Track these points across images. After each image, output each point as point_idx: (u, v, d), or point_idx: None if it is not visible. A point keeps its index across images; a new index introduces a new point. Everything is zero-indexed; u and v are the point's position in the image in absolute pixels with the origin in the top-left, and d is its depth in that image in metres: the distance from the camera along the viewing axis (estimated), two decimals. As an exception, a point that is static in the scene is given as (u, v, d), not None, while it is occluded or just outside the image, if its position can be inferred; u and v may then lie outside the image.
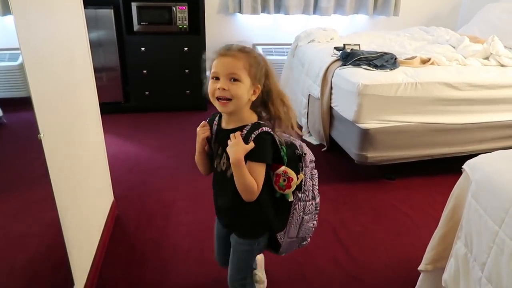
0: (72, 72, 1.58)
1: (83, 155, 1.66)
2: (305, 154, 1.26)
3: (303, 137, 3.14)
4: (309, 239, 1.42)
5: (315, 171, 1.32)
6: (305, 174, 1.25)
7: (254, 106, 1.21)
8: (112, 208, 2.11)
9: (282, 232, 1.30)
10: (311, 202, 1.28)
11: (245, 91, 1.13)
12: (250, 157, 1.13)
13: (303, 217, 1.29)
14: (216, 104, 1.15)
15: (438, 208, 2.14)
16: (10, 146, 1.10)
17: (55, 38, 1.41)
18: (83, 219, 1.62)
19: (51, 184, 1.24)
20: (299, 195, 1.25)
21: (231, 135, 1.14)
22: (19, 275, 1.04)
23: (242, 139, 1.13)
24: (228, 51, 1.13)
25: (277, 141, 1.17)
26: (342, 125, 2.59)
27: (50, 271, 1.27)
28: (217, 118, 1.26)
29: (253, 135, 1.13)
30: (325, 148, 2.89)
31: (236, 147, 1.12)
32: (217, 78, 1.13)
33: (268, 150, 1.16)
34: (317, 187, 1.31)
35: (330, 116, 2.70)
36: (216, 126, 1.25)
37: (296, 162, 1.24)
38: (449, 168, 2.54)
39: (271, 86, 1.20)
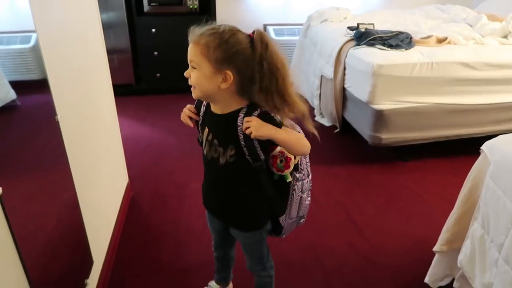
0: (86, 54, 1.58)
1: (98, 137, 1.67)
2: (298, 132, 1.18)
3: (315, 118, 3.11)
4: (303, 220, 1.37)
5: None
6: None
7: (249, 97, 1.06)
8: (127, 189, 2.14)
9: (284, 215, 1.25)
10: (306, 180, 1.24)
11: (204, 79, 1.02)
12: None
13: (301, 196, 1.25)
14: None
15: (453, 190, 2.12)
16: (26, 128, 1.10)
17: (69, 20, 1.41)
18: (100, 199, 1.65)
19: (69, 165, 1.25)
20: (297, 175, 1.20)
21: (245, 120, 1.04)
22: (40, 255, 1.07)
23: (242, 121, 1.05)
24: (192, 36, 1.02)
25: (277, 120, 1.08)
26: (355, 106, 2.56)
27: (70, 250, 1.30)
28: (205, 102, 1.17)
29: (254, 115, 1.05)
30: (337, 130, 2.87)
31: (254, 124, 1.02)
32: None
33: (276, 122, 1.07)
34: (308, 163, 1.27)
35: (343, 97, 2.67)
36: (204, 108, 1.17)
37: None
38: (464, 149, 2.52)
39: (255, 72, 1.01)
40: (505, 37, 2.64)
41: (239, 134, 1.06)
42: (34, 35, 1.11)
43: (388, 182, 2.36)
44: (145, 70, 3.58)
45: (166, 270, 1.72)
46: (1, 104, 0.94)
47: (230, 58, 0.99)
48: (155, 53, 3.50)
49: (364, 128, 2.47)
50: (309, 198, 1.31)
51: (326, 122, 3.03)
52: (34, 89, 1.17)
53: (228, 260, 1.52)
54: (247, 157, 1.09)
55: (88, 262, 1.41)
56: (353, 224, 2.00)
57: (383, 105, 2.32)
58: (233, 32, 1.01)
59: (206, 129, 1.15)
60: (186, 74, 1.06)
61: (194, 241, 1.88)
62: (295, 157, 1.17)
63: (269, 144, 1.10)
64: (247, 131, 1.03)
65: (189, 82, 1.07)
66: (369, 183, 2.35)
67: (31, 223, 1.04)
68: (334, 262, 1.77)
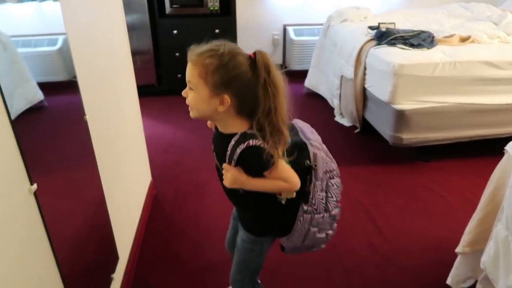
0: (112, 55, 1.63)
1: (123, 136, 1.72)
2: (315, 165, 1.11)
3: (335, 119, 3.11)
4: (323, 245, 1.31)
5: (335, 180, 1.20)
6: (314, 187, 1.12)
7: (249, 117, 1.03)
8: (150, 188, 2.19)
9: (285, 238, 1.21)
10: (321, 215, 1.16)
11: (201, 101, 1.00)
12: (251, 174, 1.04)
13: (309, 229, 1.18)
14: None
15: (476, 191, 2.09)
16: (55, 128, 1.15)
17: (96, 22, 1.46)
18: (125, 197, 1.69)
19: (96, 164, 1.30)
20: (305, 207, 1.13)
21: (224, 167, 1.07)
22: (70, 250, 1.11)
23: (231, 149, 1.04)
24: (191, 55, 1.01)
25: (268, 154, 0.99)
26: (376, 106, 2.55)
27: (97, 246, 1.34)
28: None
29: (237, 150, 1.01)
30: (358, 130, 2.86)
31: (229, 177, 1.05)
32: None
33: (262, 160, 1.00)
34: (335, 199, 1.19)
35: (364, 97, 2.66)
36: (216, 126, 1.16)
37: (304, 172, 1.10)
38: (487, 150, 2.48)
39: (257, 94, 0.98)
40: (532, 35, 2.58)
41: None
42: (60, 38, 1.15)
43: (409, 183, 2.34)
44: (166, 71, 3.64)
45: (188, 267, 1.75)
46: (30, 105, 0.98)
47: (228, 82, 0.96)
48: (177, 54, 3.55)
49: (385, 128, 2.46)
50: (329, 232, 1.25)
51: (346, 122, 3.02)
52: (60, 90, 1.22)
53: None
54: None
55: (113, 257, 1.46)
56: (373, 224, 2.00)
57: (404, 105, 2.30)
58: (233, 54, 0.97)
59: (212, 146, 1.17)
60: (183, 93, 1.04)
61: (215, 239, 1.91)
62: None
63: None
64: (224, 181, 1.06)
65: (186, 102, 1.04)
66: (390, 184, 2.34)
67: (62, 219, 1.09)
68: (354, 262, 1.77)
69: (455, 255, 1.57)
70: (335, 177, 1.19)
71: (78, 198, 1.22)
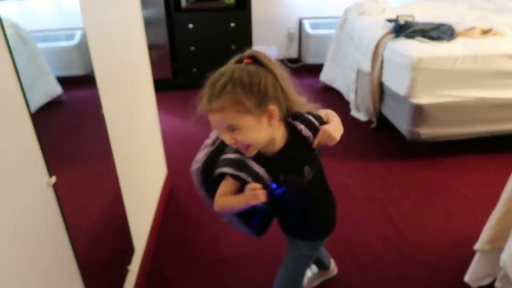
0: (129, 50, 1.64)
1: (139, 130, 1.74)
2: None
3: (351, 113, 3.07)
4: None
5: None
6: None
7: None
8: (166, 181, 2.21)
9: None
10: None
11: (254, 132, 0.94)
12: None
13: None
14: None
15: (496, 188, 2.04)
16: (72, 121, 1.16)
17: (113, 18, 1.47)
18: (141, 190, 1.71)
19: (113, 157, 1.31)
20: None
21: (322, 131, 1.05)
22: (87, 241, 1.13)
23: (307, 132, 1.05)
24: (210, 105, 0.97)
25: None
26: (393, 100, 2.51)
27: (114, 238, 1.36)
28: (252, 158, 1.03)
29: (314, 123, 1.06)
30: (374, 125, 2.83)
31: (331, 130, 1.07)
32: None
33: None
34: None
35: (381, 91, 2.63)
36: (257, 165, 1.03)
37: None
38: (506, 146, 2.42)
39: (279, 94, 0.97)
40: (557, 27, 2.50)
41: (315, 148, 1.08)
42: (78, 33, 1.17)
43: (427, 178, 2.31)
44: (182, 65, 3.65)
45: (203, 260, 1.77)
46: (48, 99, 0.99)
47: (263, 94, 0.92)
48: (192, 48, 3.56)
49: (402, 123, 2.42)
50: None
51: (362, 116, 2.98)
52: (78, 84, 1.23)
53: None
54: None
55: (130, 249, 1.48)
56: (390, 220, 1.98)
57: (423, 99, 2.26)
58: (242, 69, 0.94)
59: (283, 174, 1.04)
60: (230, 140, 0.97)
61: (231, 232, 1.91)
62: None
63: None
64: (331, 142, 1.07)
65: (237, 146, 0.98)
66: (407, 179, 2.31)
67: (79, 211, 1.10)
68: (370, 257, 1.76)
69: (473, 252, 1.54)
70: None
71: (95, 190, 1.23)
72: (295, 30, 4.11)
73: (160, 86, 3.54)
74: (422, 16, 2.90)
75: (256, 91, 0.91)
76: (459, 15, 2.99)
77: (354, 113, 3.06)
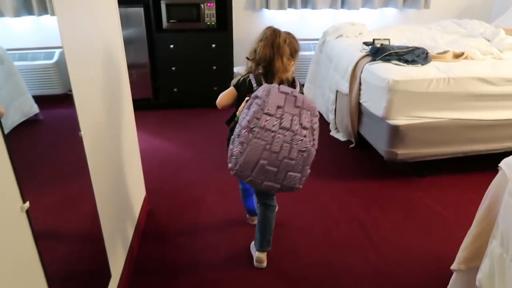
0: (108, 70, 1.63)
1: (118, 151, 1.72)
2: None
3: (330, 133, 3.12)
4: (230, 165, 1.52)
5: (257, 101, 1.47)
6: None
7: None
8: (145, 202, 2.17)
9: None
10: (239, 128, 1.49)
11: None
12: None
13: (234, 138, 1.51)
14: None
15: (471, 206, 2.09)
16: (49, 142, 1.14)
17: (93, 37, 1.46)
18: (119, 212, 1.68)
19: (90, 179, 1.29)
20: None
21: None
22: (61, 266, 1.09)
23: None
24: None
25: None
26: (371, 121, 2.56)
27: (89, 263, 1.32)
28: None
29: None
30: (353, 145, 2.87)
31: None
32: None
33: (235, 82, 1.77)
34: (249, 118, 1.45)
35: (359, 112, 2.68)
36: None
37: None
38: (483, 165, 2.49)
39: None
40: (524, 52, 2.62)
41: None
42: (57, 51, 1.16)
43: (405, 198, 2.34)
44: (163, 85, 3.65)
45: (183, 284, 1.73)
46: (25, 118, 0.98)
47: None
48: (173, 68, 3.57)
49: (379, 143, 2.46)
50: (236, 149, 1.48)
51: (341, 137, 3.03)
52: (56, 103, 1.22)
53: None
54: None
55: (106, 275, 1.44)
56: (369, 240, 1.99)
57: (399, 120, 2.32)
58: None
59: None
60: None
61: (211, 254, 1.89)
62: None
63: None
64: None
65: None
66: (386, 199, 2.34)
67: (54, 236, 1.07)
68: (350, 278, 1.76)
69: (451, 272, 1.56)
70: (258, 99, 1.48)
71: (71, 214, 1.20)
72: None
73: (141, 105, 3.52)
74: (398, 39, 3.00)
75: None
76: (433, 39, 3.10)
77: (333, 133, 3.11)
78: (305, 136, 1.46)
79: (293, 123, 1.45)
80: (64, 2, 1.17)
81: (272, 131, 1.44)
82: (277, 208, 1.82)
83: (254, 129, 1.43)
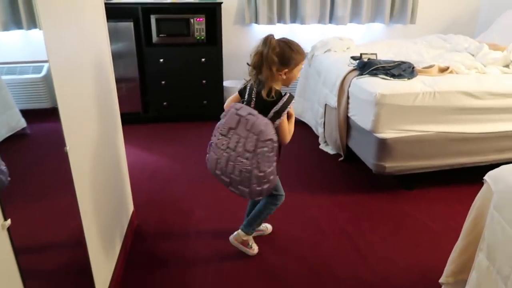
0: (96, 84, 1.63)
1: (104, 166, 1.70)
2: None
3: (320, 146, 3.13)
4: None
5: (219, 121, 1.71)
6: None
7: None
8: (132, 218, 2.15)
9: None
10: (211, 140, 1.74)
11: None
12: None
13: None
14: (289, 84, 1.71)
15: (459, 219, 2.11)
16: (34, 157, 1.13)
17: (81, 51, 1.46)
18: (105, 228, 1.66)
19: (75, 194, 1.27)
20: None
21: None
22: (41, 284, 1.07)
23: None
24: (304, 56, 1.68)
25: None
26: (359, 134, 2.58)
27: (73, 280, 1.30)
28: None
29: None
30: (342, 158, 2.89)
31: None
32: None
33: None
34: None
35: (347, 125, 2.70)
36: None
37: None
38: (470, 178, 2.51)
39: None
40: (507, 66, 2.68)
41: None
42: (45, 65, 1.16)
43: (393, 211, 2.35)
44: (152, 99, 3.65)
45: (170, 300, 1.70)
46: (12, 132, 0.97)
47: None
48: (163, 82, 3.58)
49: (368, 156, 2.48)
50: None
51: (330, 150, 3.05)
52: (44, 117, 1.21)
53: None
54: None
55: (91, 292, 1.41)
56: (358, 253, 1.99)
57: (387, 133, 2.34)
58: None
59: None
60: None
61: (199, 270, 1.87)
62: None
63: None
64: None
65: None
66: (374, 212, 2.34)
67: (36, 256, 1.05)
68: (339, 293, 1.75)
69: (440, 285, 1.57)
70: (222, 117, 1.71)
71: (55, 229, 1.19)
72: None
73: (130, 119, 3.52)
74: (385, 54, 3.05)
75: None
76: (419, 53, 3.16)
77: (322, 146, 3.13)
78: (246, 159, 1.57)
79: (238, 145, 1.60)
80: (50, 16, 1.17)
81: (221, 149, 1.66)
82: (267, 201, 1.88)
83: (211, 143, 1.72)
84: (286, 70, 1.63)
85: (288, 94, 1.65)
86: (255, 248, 1.97)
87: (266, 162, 1.58)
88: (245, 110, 1.63)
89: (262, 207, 1.89)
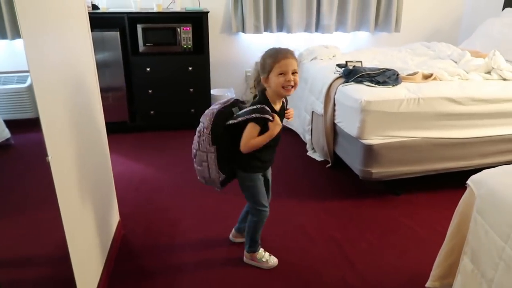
0: (80, 94, 1.62)
1: (89, 176, 1.68)
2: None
3: (307, 153, 3.15)
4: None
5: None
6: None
7: None
8: (118, 228, 2.12)
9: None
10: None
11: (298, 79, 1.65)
12: None
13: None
14: (282, 91, 1.63)
15: (445, 223, 2.12)
16: (18, 167, 1.12)
17: (63, 61, 1.45)
18: (90, 239, 1.63)
19: (58, 205, 1.25)
20: None
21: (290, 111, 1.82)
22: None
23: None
24: (287, 54, 1.61)
25: None
26: (346, 141, 2.60)
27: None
28: (267, 110, 1.65)
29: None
30: (329, 165, 2.90)
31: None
32: (282, 74, 1.60)
33: None
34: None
35: (334, 132, 2.72)
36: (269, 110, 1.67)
37: None
38: (454, 182, 2.54)
39: None
40: (489, 72, 2.73)
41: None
42: (30, 75, 1.15)
43: (381, 216, 2.37)
44: (139, 108, 3.63)
45: (157, 311, 1.68)
46: (-5, 143, 0.96)
47: None
48: (149, 91, 3.57)
49: (354, 162, 2.50)
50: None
51: (318, 157, 3.06)
52: (28, 128, 1.20)
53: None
54: None
55: (75, 304, 1.38)
56: (346, 260, 1.99)
57: (372, 140, 2.36)
58: None
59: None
60: (291, 79, 1.61)
61: (187, 279, 1.85)
62: None
63: None
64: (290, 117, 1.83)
65: (292, 84, 1.62)
66: (362, 218, 2.35)
67: (18, 265, 1.03)
68: (327, 300, 1.75)
69: (426, 290, 1.58)
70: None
71: (37, 241, 1.17)
72: (252, 74, 4.22)
73: (117, 128, 3.49)
74: (370, 61, 3.09)
75: None
76: (403, 60, 3.21)
77: (310, 153, 3.14)
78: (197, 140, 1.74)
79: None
80: (31, 25, 1.16)
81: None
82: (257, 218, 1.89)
83: None
84: (265, 76, 1.65)
85: (258, 107, 1.64)
86: (270, 261, 1.94)
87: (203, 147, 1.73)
88: (209, 109, 1.76)
89: (250, 223, 1.91)
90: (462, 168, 2.54)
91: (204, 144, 1.69)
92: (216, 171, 1.74)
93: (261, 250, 1.95)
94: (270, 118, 1.63)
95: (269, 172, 1.92)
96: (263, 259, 1.93)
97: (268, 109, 1.64)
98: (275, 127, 1.64)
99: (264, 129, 1.65)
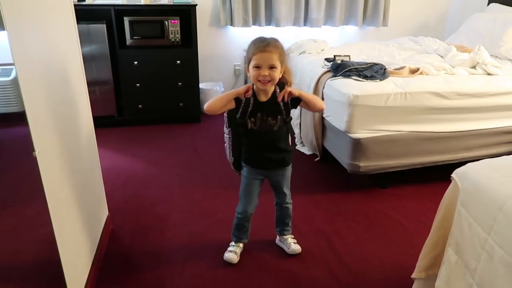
0: (66, 87, 1.60)
1: (77, 170, 1.67)
2: None
3: (296, 147, 3.16)
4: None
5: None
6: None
7: None
8: (107, 222, 2.11)
9: None
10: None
11: (278, 73, 1.59)
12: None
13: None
14: (258, 84, 1.61)
15: (430, 216, 2.16)
16: (4, 162, 1.11)
17: (49, 53, 1.43)
18: (78, 234, 1.63)
19: (46, 200, 1.25)
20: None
21: (282, 96, 1.63)
22: (14, 292, 1.05)
23: (276, 94, 1.67)
24: (266, 47, 1.54)
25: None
26: (334, 135, 2.62)
27: (45, 287, 1.27)
28: (252, 98, 1.66)
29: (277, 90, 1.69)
30: (318, 158, 2.92)
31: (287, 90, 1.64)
32: (258, 67, 1.56)
33: None
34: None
35: (322, 126, 2.74)
36: (252, 106, 1.67)
37: None
38: (440, 175, 2.58)
39: (286, 64, 1.67)
40: (474, 67, 2.77)
41: (280, 103, 1.67)
42: (14, 68, 1.13)
43: (368, 209, 2.40)
44: (127, 102, 3.60)
45: (146, 305, 1.68)
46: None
47: (284, 59, 1.62)
48: (137, 84, 3.53)
49: (343, 156, 2.52)
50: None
51: (306, 150, 3.08)
52: (14, 122, 1.18)
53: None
54: (285, 118, 1.72)
55: (64, 299, 1.38)
56: (334, 252, 2.01)
57: (360, 133, 2.39)
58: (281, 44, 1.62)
59: (262, 115, 1.68)
60: (266, 77, 1.56)
61: (175, 273, 1.86)
62: None
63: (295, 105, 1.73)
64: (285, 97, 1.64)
65: (267, 79, 1.57)
66: (350, 211, 2.38)
67: (6, 259, 1.03)
68: (315, 292, 1.77)
69: (412, 280, 1.61)
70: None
71: (25, 236, 1.16)
72: (241, 67, 4.22)
73: (104, 123, 3.46)
74: (358, 56, 3.11)
75: (284, 55, 1.62)
76: (391, 55, 3.24)
77: (299, 147, 3.15)
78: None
79: None
80: (15, 17, 1.14)
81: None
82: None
83: None
84: (247, 65, 1.65)
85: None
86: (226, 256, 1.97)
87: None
88: None
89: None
90: (447, 161, 2.58)
91: (224, 126, 1.81)
92: (230, 153, 1.85)
93: (234, 243, 1.99)
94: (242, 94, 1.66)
95: (277, 177, 1.89)
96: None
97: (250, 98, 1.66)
98: (243, 88, 1.64)
99: (240, 109, 1.68)
